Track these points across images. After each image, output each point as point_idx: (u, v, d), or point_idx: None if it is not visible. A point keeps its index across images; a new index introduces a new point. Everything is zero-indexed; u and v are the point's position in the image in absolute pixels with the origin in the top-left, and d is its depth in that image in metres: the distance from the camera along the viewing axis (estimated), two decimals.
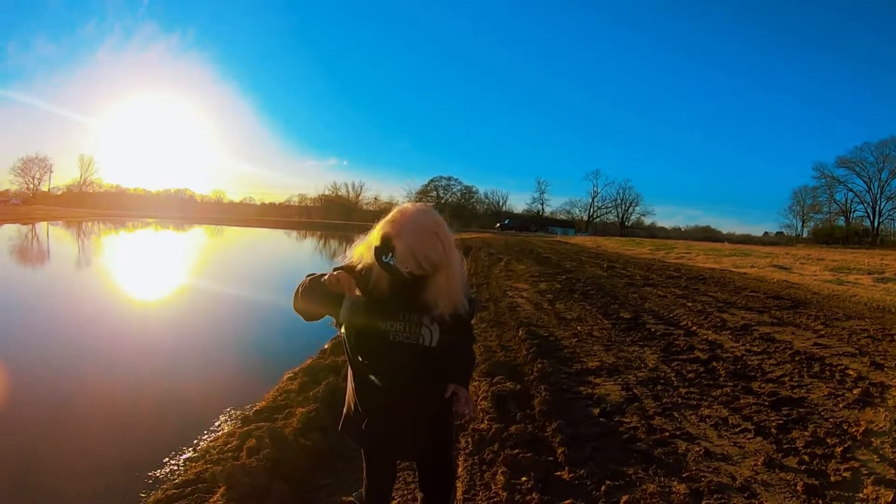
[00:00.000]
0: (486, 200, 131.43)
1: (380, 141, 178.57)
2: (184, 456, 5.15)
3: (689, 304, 12.26)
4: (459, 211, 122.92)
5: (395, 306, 2.40)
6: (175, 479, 4.63)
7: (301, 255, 36.08)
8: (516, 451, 4.34)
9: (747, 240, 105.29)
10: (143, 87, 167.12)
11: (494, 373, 6.43)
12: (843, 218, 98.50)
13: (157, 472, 4.89)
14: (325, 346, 8.47)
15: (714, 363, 7.11)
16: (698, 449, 4.49)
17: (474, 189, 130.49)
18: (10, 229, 44.42)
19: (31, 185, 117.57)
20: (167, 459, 5.09)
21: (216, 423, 5.84)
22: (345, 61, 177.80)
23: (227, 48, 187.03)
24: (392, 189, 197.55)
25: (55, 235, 42.70)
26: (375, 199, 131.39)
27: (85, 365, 8.13)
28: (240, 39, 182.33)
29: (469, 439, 4.69)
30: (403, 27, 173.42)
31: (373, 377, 2.48)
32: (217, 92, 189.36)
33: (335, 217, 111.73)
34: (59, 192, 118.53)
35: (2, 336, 9.85)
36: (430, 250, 2.27)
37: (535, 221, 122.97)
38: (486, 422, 4.99)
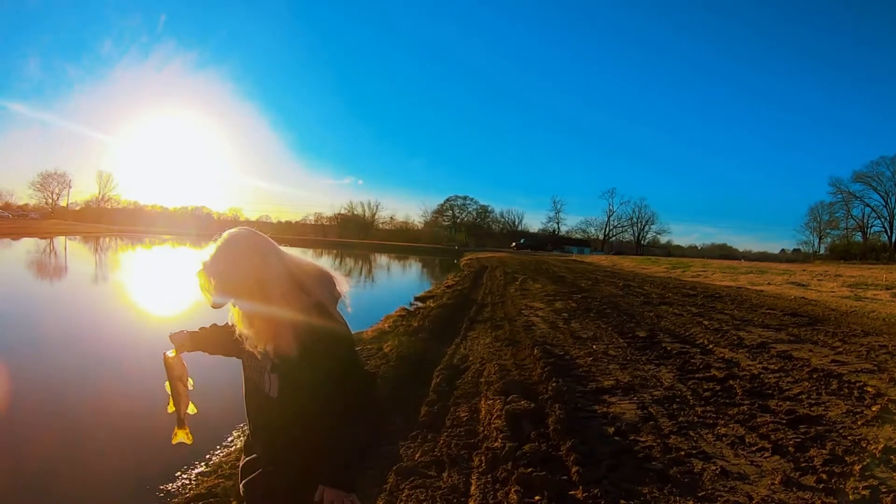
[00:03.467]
0: (502, 220, 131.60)
1: (396, 160, 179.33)
2: (196, 470, 5.20)
3: (706, 323, 12.19)
4: (475, 230, 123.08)
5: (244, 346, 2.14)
6: (187, 494, 4.68)
7: None
8: (530, 469, 4.32)
9: (764, 257, 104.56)
10: (161, 105, 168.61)
11: (509, 391, 6.42)
12: (860, 233, 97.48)
13: (170, 486, 4.95)
14: None
15: (731, 381, 7.06)
16: (714, 468, 4.45)
17: (490, 208, 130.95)
18: (29, 243, 45.30)
19: (50, 200, 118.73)
20: (179, 473, 5.14)
21: (229, 439, 5.90)
22: (361, 80, 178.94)
23: (245, 66, 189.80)
24: (408, 208, 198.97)
25: (73, 250, 43.27)
26: (391, 218, 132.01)
27: (100, 378, 8.22)
28: (257, 57, 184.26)
29: (482, 458, 4.68)
30: (419, 47, 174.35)
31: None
32: (234, 109, 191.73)
33: (351, 236, 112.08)
34: (78, 208, 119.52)
35: (19, 348, 9.95)
36: (219, 272, 1.97)
37: (550, 240, 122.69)
38: (499, 440, 4.97)
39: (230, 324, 2.16)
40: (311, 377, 2.02)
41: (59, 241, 52.87)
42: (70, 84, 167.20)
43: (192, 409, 2.33)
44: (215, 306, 2.01)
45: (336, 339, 2.05)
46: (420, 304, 16.72)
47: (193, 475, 5.11)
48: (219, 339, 2.35)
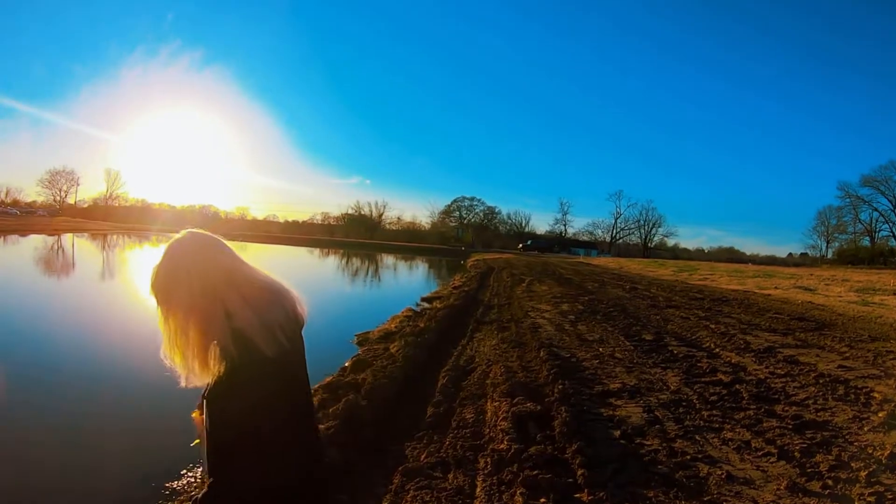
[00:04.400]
0: (509, 221, 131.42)
1: (403, 160, 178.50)
2: (201, 469, 5.19)
3: (713, 326, 12.16)
4: (482, 231, 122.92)
5: None
6: (192, 492, 4.73)
7: (323, 271, 36.27)
8: (535, 472, 4.33)
9: (771, 261, 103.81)
10: (167, 103, 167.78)
11: (515, 393, 6.42)
12: (868, 238, 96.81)
13: (175, 484, 5.00)
14: (346, 364, 8.51)
15: (737, 386, 7.05)
16: (720, 472, 4.45)
17: (497, 209, 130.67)
18: (36, 240, 45.56)
19: (58, 198, 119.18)
20: (184, 472, 5.18)
21: None
22: (369, 79, 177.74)
23: (251, 64, 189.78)
24: (415, 209, 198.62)
25: (80, 247, 43.42)
26: (398, 218, 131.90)
27: (105, 374, 8.27)
28: (263, 55, 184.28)
29: (488, 459, 4.69)
30: (427, 45, 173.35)
31: None
32: (242, 108, 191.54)
33: (358, 236, 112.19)
34: (86, 205, 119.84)
35: (26, 344, 10.02)
36: (152, 272, 1.89)
37: (557, 242, 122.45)
38: (505, 442, 4.99)
39: None
40: (223, 403, 1.83)
41: (67, 238, 52.90)
42: (77, 83, 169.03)
43: None
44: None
45: (236, 356, 1.78)
46: (426, 305, 16.75)
47: (198, 473, 5.13)
48: None
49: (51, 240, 47.31)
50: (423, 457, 4.86)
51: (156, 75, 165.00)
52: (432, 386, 7.13)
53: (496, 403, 6.15)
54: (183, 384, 1.87)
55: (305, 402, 2.04)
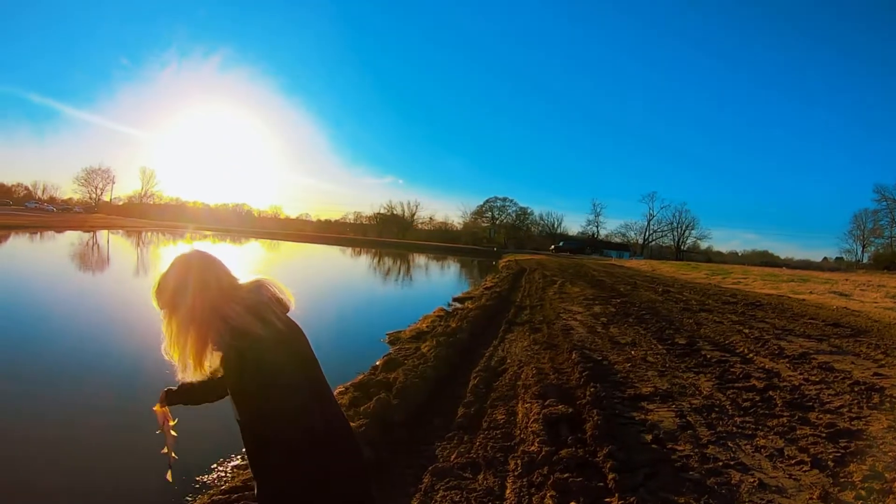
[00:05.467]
0: (542, 222, 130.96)
1: (436, 160, 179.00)
2: (232, 463, 5.33)
3: (746, 331, 12.06)
4: (514, 232, 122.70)
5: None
6: (222, 486, 4.81)
7: (355, 271, 36.46)
8: (566, 475, 4.36)
9: (806, 265, 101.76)
10: (202, 102, 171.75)
11: (546, 395, 6.44)
12: None
13: (205, 478, 5.09)
14: (377, 363, 8.58)
15: (770, 392, 7.00)
16: (752, 480, 4.44)
17: (529, 210, 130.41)
18: (72, 236, 46.52)
19: (94, 195, 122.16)
20: (215, 466, 5.28)
21: None
22: (403, 79, 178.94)
23: (286, 63, 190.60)
24: (448, 209, 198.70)
25: (115, 243, 44.26)
26: (431, 218, 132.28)
27: (138, 367, 8.40)
28: (298, 53, 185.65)
29: (518, 461, 4.72)
30: (461, 45, 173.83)
31: None
32: (276, 107, 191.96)
33: (390, 235, 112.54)
34: (121, 203, 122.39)
35: (59, 336, 10.27)
36: (157, 283, 2.19)
37: (589, 244, 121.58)
38: (536, 444, 5.01)
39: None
40: (245, 392, 2.06)
41: (102, 234, 54.22)
42: (113, 84, 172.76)
43: (173, 455, 2.55)
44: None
45: (257, 344, 2.05)
46: (458, 305, 16.80)
47: (229, 468, 5.26)
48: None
49: (86, 236, 48.31)
50: (453, 457, 4.91)
51: (191, 74, 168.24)
52: (464, 386, 7.17)
53: (527, 405, 6.18)
54: (178, 378, 2.23)
55: (321, 379, 2.22)
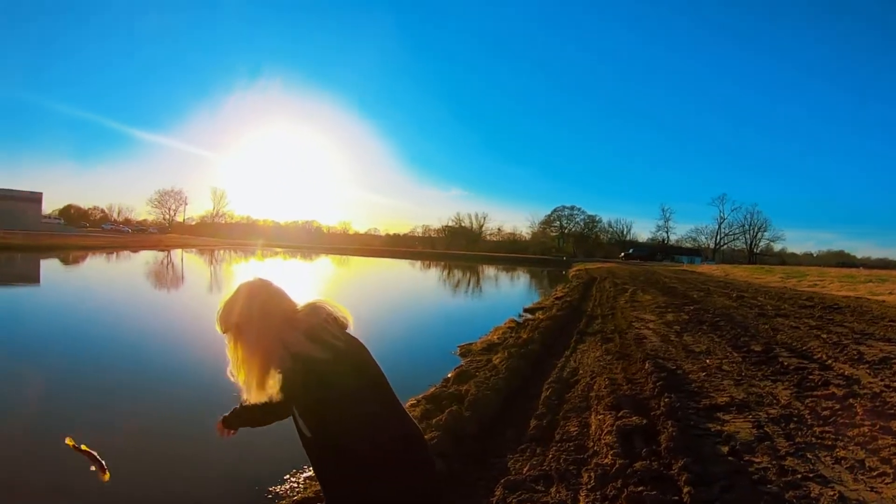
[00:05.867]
0: (610, 229, 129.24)
1: (501, 171, 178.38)
2: (304, 475, 5.45)
3: (824, 336, 11.72)
4: (583, 240, 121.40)
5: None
6: (294, 497, 4.94)
7: (425, 284, 36.75)
8: (640, 488, 4.35)
9: (884, 264, 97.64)
10: (270, 122, 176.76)
11: (620, 406, 6.43)
12: None
13: (278, 488, 5.25)
14: (449, 375, 8.68)
15: (851, 400, 6.80)
16: (832, 493, 4.34)
17: (597, 218, 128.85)
18: (147, 255, 49.02)
19: (167, 216, 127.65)
20: (288, 476, 5.44)
21: None
22: (466, 90, 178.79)
23: (351, 80, 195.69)
24: (515, 219, 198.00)
25: (188, 261, 46.15)
26: (499, 229, 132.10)
27: (215, 378, 8.71)
28: (364, 70, 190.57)
29: (592, 474, 4.74)
30: (524, 56, 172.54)
31: None
32: (343, 124, 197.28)
33: (459, 247, 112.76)
34: (193, 223, 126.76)
35: (145, 348, 10.82)
36: (221, 309, 2.34)
37: (659, 250, 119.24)
38: (609, 456, 5.01)
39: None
40: (309, 411, 2.24)
41: (176, 253, 56.92)
42: (184, 108, 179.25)
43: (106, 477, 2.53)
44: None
45: (318, 365, 2.17)
46: (529, 316, 16.75)
47: (301, 479, 5.40)
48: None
49: (160, 255, 50.87)
50: (525, 469, 4.95)
51: (259, 96, 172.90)
52: (536, 398, 7.20)
53: (600, 416, 6.18)
54: (244, 399, 2.37)
55: (387, 391, 2.34)
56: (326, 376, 2.16)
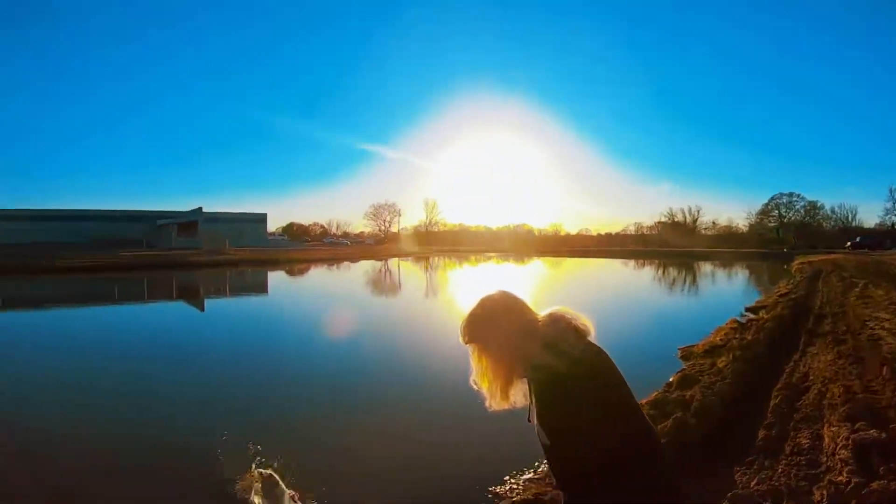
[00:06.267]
0: (833, 216, 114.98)
1: (714, 158, 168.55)
2: (525, 476, 5.69)
3: None
4: (804, 230, 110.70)
5: None
6: (514, 497, 5.20)
7: (640, 283, 36.04)
8: None
9: None
10: (475, 131, 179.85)
11: (855, 417, 6.09)
12: None
13: (498, 489, 5.50)
14: (671, 380, 8.64)
15: None
16: None
17: (819, 204, 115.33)
18: (366, 264, 53.89)
19: (383, 228, 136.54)
20: (508, 478, 5.67)
21: None
22: (674, 79, 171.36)
23: (554, 85, 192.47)
24: (730, 211, 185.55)
25: (405, 268, 49.68)
26: (713, 222, 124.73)
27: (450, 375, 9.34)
28: (570, 70, 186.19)
29: (824, 492, 4.61)
30: (728, 44, 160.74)
31: None
32: (548, 127, 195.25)
33: (672, 244, 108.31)
34: (407, 233, 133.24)
35: (364, 345, 12.30)
36: (467, 320, 2.43)
37: (890, 237, 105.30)
38: (844, 473, 4.84)
39: None
40: (547, 419, 2.26)
41: (392, 261, 61.38)
42: (397, 120, 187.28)
43: None
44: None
45: (554, 376, 2.24)
46: (752, 316, 15.93)
47: (521, 480, 5.60)
48: None
49: (378, 264, 55.53)
50: (753, 483, 4.91)
51: (469, 105, 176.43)
52: (763, 405, 7.00)
53: (834, 428, 5.88)
54: (487, 406, 2.46)
55: (627, 398, 2.35)
56: (562, 386, 2.23)
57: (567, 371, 2.22)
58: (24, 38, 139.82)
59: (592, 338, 2.39)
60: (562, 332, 2.33)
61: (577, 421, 2.20)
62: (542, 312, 2.45)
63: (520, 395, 2.43)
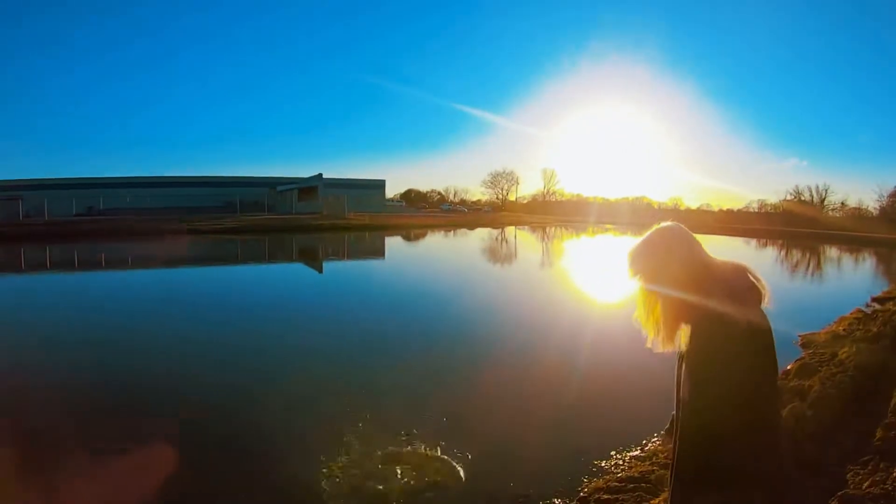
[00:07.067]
0: None
1: (844, 133, 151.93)
2: (631, 454, 5.64)
3: None
4: None
5: None
6: (618, 473, 5.16)
7: (761, 263, 34.52)
8: None
9: None
10: (596, 102, 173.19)
11: None
12: None
13: (602, 463, 5.47)
14: (789, 367, 8.33)
15: None
16: None
17: None
18: (483, 232, 54.01)
19: (500, 196, 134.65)
20: (614, 454, 5.64)
21: (666, 427, 6.03)
22: (814, 45, 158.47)
23: (678, 52, 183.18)
24: (861, 191, 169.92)
25: (520, 237, 50.40)
26: (842, 203, 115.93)
27: (554, 351, 9.58)
28: (696, 45, 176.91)
29: None
30: None
31: None
32: (669, 98, 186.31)
33: (798, 224, 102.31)
34: (525, 202, 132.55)
35: (485, 311, 12.88)
36: (633, 256, 2.33)
37: None
38: None
39: None
40: (704, 374, 2.18)
41: (509, 230, 61.20)
42: (516, 89, 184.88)
43: None
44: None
45: (730, 332, 2.10)
46: (878, 307, 14.81)
47: (627, 458, 5.55)
48: None
49: (495, 232, 55.47)
50: (865, 485, 4.67)
51: (589, 74, 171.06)
52: (885, 403, 6.61)
53: None
54: (649, 346, 2.36)
55: (773, 375, 2.29)
56: (735, 346, 2.10)
57: (744, 331, 2.10)
58: (175, 11, 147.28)
59: (764, 307, 2.22)
60: (748, 288, 2.19)
61: (729, 389, 2.10)
62: (720, 260, 2.30)
63: (684, 338, 2.28)
